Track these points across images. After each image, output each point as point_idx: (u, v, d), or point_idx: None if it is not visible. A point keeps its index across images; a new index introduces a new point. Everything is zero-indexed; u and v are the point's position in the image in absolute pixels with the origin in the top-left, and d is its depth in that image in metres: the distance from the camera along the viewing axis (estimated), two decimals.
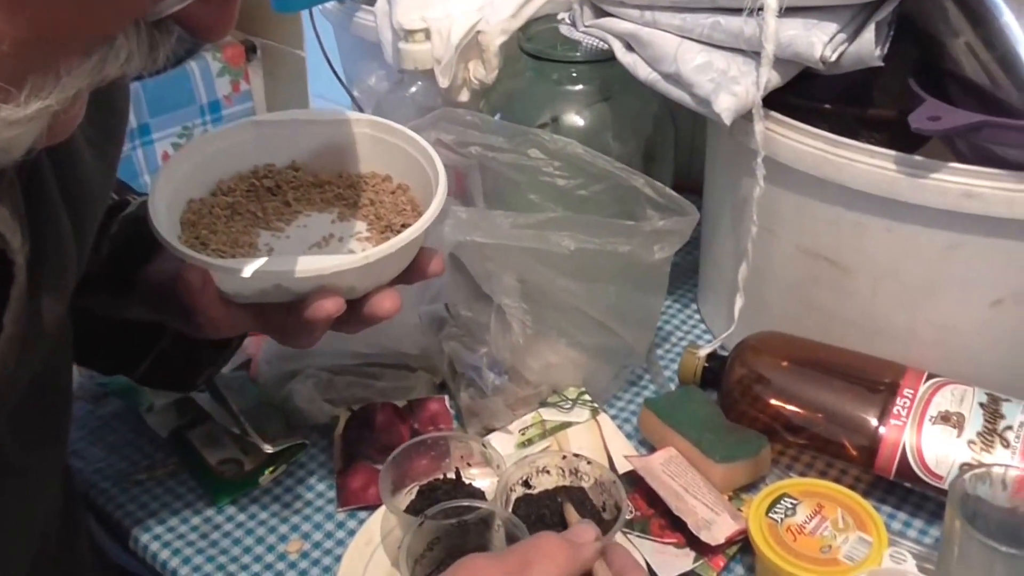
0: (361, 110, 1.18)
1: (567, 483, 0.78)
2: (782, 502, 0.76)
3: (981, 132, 0.75)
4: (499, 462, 0.79)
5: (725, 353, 0.92)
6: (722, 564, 0.77)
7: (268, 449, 0.85)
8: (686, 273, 1.10)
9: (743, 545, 0.78)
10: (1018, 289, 0.80)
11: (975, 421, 0.78)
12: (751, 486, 0.84)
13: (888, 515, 0.82)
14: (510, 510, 0.75)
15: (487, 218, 0.87)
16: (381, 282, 0.69)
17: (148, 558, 0.81)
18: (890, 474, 0.79)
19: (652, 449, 0.86)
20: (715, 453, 0.82)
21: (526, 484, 0.78)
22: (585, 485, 0.78)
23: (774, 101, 0.83)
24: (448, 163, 0.76)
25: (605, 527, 0.74)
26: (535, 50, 0.99)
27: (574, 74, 1.00)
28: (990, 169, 0.75)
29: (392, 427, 0.89)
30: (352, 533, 0.81)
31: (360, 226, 0.74)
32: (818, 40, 0.79)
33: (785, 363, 0.87)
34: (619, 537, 0.77)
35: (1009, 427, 0.77)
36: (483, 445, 0.82)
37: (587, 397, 0.91)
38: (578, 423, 0.89)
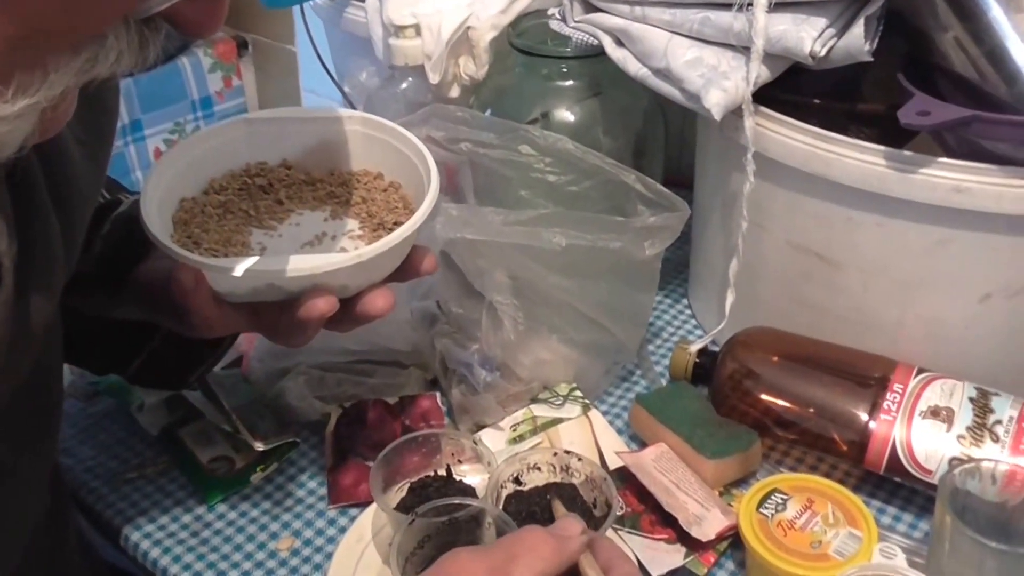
0: (352, 106, 1.18)
1: (558, 480, 0.79)
2: (773, 497, 0.77)
3: (970, 127, 0.75)
4: (490, 459, 0.79)
5: (716, 349, 0.92)
6: (713, 560, 0.77)
7: (259, 447, 0.85)
8: (677, 268, 1.10)
9: (734, 540, 0.78)
10: (1007, 284, 0.80)
11: (965, 416, 0.78)
12: (742, 481, 0.84)
13: (878, 509, 0.82)
14: (501, 507, 0.75)
15: (478, 215, 0.87)
16: (374, 280, 0.69)
17: (139, 556, 0.81)
18: (880, 469, 0.80)
19: (643, 445, 0.87)
20: (706, 449, 0.82)
21: (517, 481, 0.78)
22: (576, 481, 0.78)
23: (764, 96, 0.83)
24: (439, 159, 0.75)
25: (596, 523, 0.74)
26: (525, 46, 0.99)
27: (564, 70, 1.00)
28: (979, 164, 0.75)
29: (383, 424, 0.89)
30: (343, 530, 0.81)
31: (352, 224, 0.74)
32: (807, 35, 0.80)
33: (776, 358, 0.87)
34: (610, 533, 0.77)
35: (999, 421, 0.77)
36: (474, 442, 0.82)
37: (578, 393, 0.92)
38: (569, 419, 0.89)
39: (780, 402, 0.84)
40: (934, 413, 0.79)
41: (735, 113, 0.83)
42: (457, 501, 0.72)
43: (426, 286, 0.95)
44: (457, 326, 0.91)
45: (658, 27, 0.87)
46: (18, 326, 0.57)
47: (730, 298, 0.90)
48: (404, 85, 1.06)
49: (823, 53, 0.80)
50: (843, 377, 0.83)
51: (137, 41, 0.47)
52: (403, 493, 0.79)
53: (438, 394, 0.93)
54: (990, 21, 0.77)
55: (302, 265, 0.64)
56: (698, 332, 1.04)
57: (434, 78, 1.01)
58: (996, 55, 0.77)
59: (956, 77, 0.80)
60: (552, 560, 0.59)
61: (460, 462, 0.82)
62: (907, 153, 0.77)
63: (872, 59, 0.80)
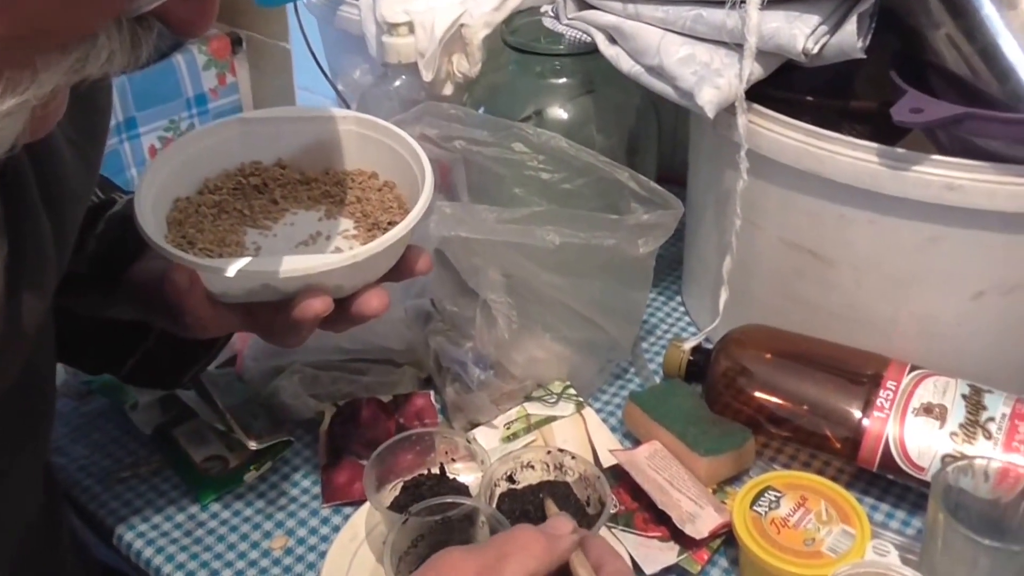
0: (346, 103, 1.18)
1: (551, 478, 0.79)
2: (766, 495, 0.77)
3: (963, 124, 0.75)
4: (484, 457, 0.79)
5: (710, 346, 0.92)
6: (706, 557, 0.77)
7: (253, 446, 0.85)
8: (670, 265, 1.10)
9: (727, 538, 0.78)
10: (1000, 281, 0.81)
11: (958, 413, 0.78)
12: (735, 479, 0.84)
13: (871, 506, 0.82)
14: (494, 506, 0.75)
15: (472, 213, 0.87)
16: (368, 281, 0.69)
17: (132, 556, 0.81)
18: (873, 466, 0.80)
19: (637, 443, 0.87)
20: (699, 446, 0.82)
21: (510, 479, 0.78)
22: (570, 480, 0.78)
23: (757, 94, 0.83)
24: (432, 157, 0.75)
25: (589, 521, 0.74)
26: (518, 43, 0.99)
27: (557, 67, 1.00)
28: (971, 161, 0.75)
29: (377, 422, 0.89)
30: (337, 529, 0.81)
31: (347, 224, 0.74)
32: (800, 32, 0.80)
33: (769, 356, 0.87)
34: (603, 531, 0.77)
35: (991, 419, 0.77)
36: (468, 440, 0.82)
37: (572, 391, 0.92)
38: (563, 417, 0.89)
39: (773, 399, 0.84)
40: (927, 410, 0.79)
41: (728, 110, 0.83)
42: (451, 500, 0.72)
43: (420, 284, 0.95)
44: (451, 324, 0.91)
45: (651, 24, 0.87)
46: (9, 326, 0.56)
47: (723, 295, 0.90)
48: (397, 83, 1.06)
49: (816, 50, 0.80)
50: (836, 374, 0.83)
51: (129, 40, 0.47)
52: (397, 492, 0.79)
53: (432, 392, 0.93)
54: (982, 18, 0.77)
55: (297, 265, 0.64)
56: (692, 329, 1.04)
57: (427, 76, 1.01)
58: (988, 52, 0.77)
59: (949, 74, 0.80)
60: (543, 559, 0.59)
61: (454, 460, 0.82)
62: (900, 150, 0.77)
63: (865, 56, 0.80)
